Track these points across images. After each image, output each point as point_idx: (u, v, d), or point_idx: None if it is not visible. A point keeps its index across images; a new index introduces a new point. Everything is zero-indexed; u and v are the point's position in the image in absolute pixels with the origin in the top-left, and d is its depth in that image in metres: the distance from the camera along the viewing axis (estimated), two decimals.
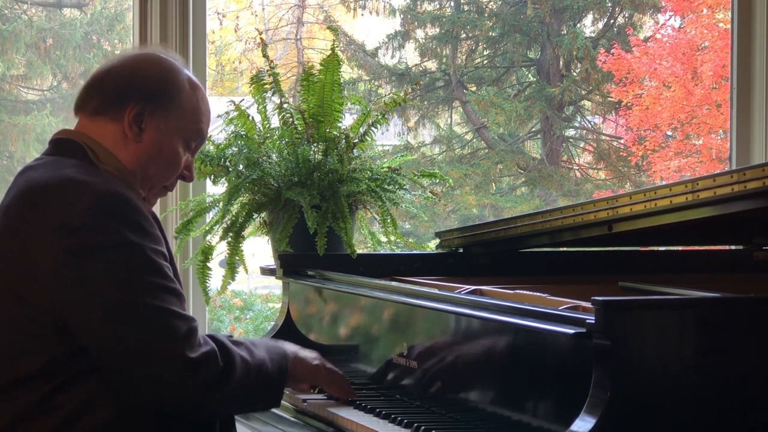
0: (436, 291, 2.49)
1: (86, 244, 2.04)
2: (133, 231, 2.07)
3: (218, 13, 13.63)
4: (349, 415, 2.33)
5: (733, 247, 3.44)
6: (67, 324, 2.05)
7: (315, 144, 3.13)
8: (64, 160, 2.17)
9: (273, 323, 3.10)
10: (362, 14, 13.45)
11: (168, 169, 2.28)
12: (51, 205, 2.07)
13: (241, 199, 3.12)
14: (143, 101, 2.21)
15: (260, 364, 2.20)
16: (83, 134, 2.23)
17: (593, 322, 1.84)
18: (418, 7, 13.31)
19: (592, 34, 13.06)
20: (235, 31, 13.81)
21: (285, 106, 3.21)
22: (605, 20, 13.27)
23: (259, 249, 4.23)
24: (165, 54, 2.32)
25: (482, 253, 3.07)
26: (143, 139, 2.22)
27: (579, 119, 13.72)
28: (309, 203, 2.99)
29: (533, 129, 13.33)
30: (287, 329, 3.00)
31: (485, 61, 13.51)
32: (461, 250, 3.09)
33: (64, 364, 2.07)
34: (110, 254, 2.04)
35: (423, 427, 2.16)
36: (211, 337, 2.14)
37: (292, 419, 2.53)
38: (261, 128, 3.23)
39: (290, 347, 2.36)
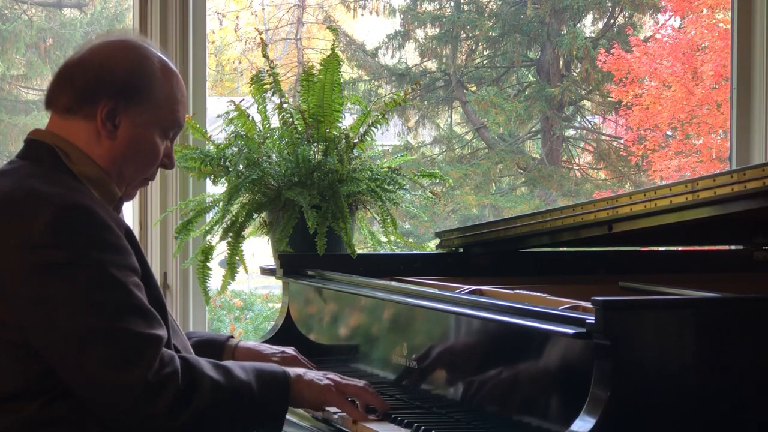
0: (436, 291, 2.49)
1: (46, 262, 1.98)
2: (95, 246, 2.01)
3: (218, 13, 13.64)
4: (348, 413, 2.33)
5: (733, 247, 3.44)
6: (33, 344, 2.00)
7: (315, 144, 3.14)
8: (32, 166, 2.11)
9: (273, 323, 3.10)
10: (362, 14, 13.47)
11: (146, 162, 2.21)
12: (13, 220, 2.02)
13: (241, 199, 3.12)
14: (115, 97, 2.13)
15: (241, 387, 2.10)
16: (55, 135, 2.16)
17: (593, 322, 1.84)
18: (418, 7, 13.32)
19: (592, 34, 13.08)
20: (235, 31, 13.82)
21: (285, 106, 3.21)
22: (605, 20, 13.29)
23: (259, 249, 4.23)
24: (136, 39, 2.22)
25: (482, 253, 3.07)
26: (118, 135, 2.14)
27: (579, 119, 13.73)
28: (309, 203, 2.99)
29: (533, 129, 13.35)
30: (287, 329, 3.00)
31: (485, 61, 13.52)
32: (461, 250, 3.09)
33: (45, 383, 2.01)
34: (70, 273, 1.98)
35: (423, 427, 2.16)
36: (183, 358, 2.06)
37: (288, 418, 2.51)
38: (261, 128, 3.22)
39: (295, 369, 2.25)
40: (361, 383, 2.31)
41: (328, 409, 2.35)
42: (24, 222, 2.00)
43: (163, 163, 2.25)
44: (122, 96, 2.14)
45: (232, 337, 2.57)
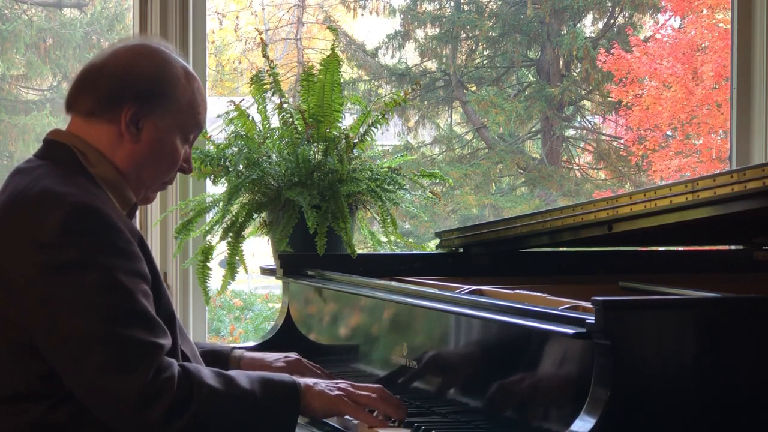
0: (436, 291, 2.48)
1: (54, 262, 1.97)
2: (104, 249, 2.00)
3: (218, 13, 13.63)
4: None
5: (733, 247, 3.44)
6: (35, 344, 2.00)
7: (315, 144, 3.14)
8: (49, 166, 2.12)
9: (273, 323, 3.10)
10: (362, 14, 13.46)
11: (167, 166, 2.22)
12: (26, 219, 2.02)
13: (241, 199, 3.12)
14: (140, 101, 2.15)
15: (243, 395, 2.07)
16: (75, 136, 2.16)
17: (593, 322, 1.84)
18: (418, 7, 13.31)
19: (592, 34, 13.07)
20: (235, 31, 13.82)
21: (285, 106, 3.21)
22: (605, 20, 13.28)
23: (259, 249, 4.23)
24: (158, 44, 2.24)
25: (482, 253, 3.06)
26: (141, 139, 2.16)
27: (579, 119, 13.73)
28: (309, 203, 2.99)
29: (533, 129, 13.34)
30: (287, 329, 3.00)
31: (485, 61, 13.52)
32: (461, 250, 3.09)
33: (49, 384, 2.01)
34: (76, 275, 1.97)
35: (423, 427, 2.16)
36: (182, 366, 2.04)
37: None
38: (261, 128, 3.22)
39: (305, 380, 2.22)
40: (375, 391, 2.25)
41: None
42: (36, 221, 2.01)
43: (182, 167, 2.26)
44: (146, 100, 2.16)
45: (236, 348, 2.56)
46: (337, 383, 2.25)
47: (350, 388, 2.24)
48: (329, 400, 2.19)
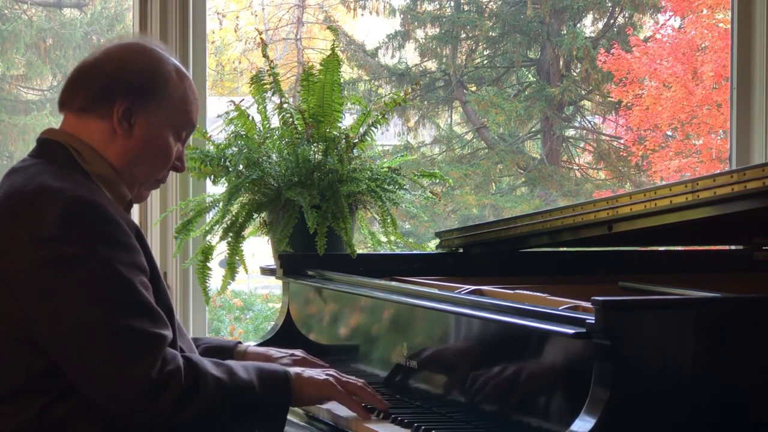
0: (436, 291, 2.49)
1: (54, 256, 1.99)
2: (103, 242, 2.02)
3: (218, 13, 13.64)
4: (348, 413, 2.33)
5: (733, 247, 3.44)
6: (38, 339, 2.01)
7: (315, 144, 3.14)
8: (45, 164, 2.13)
9: (273, 323, 3.10)
10: (362, 14, 13.47)
11: (159, 163, 2.23)
12: (22, 215, 2.03)
13: (241, 199, 3.12)
14: (132, 96, 2.16)
15: (243, 385, 2.11)
16: (69, 134, 2.18)
17: (593, 322, 1.84)
18: (418, 7, 13.32)
19: (592, 34, 13.08)
20: (235, 31, 13.82)
21: (285, 106, 3.21)
22: (605, 20, 13.29)
23: (259, 249, 4.23)
24: (149, 43, 2.25)
25: (482, 253, 3.06)
26: (134, 134, 2.17)
27: (579, 119, 13.73)
28: (309, 203, 2.99)
29: (533, 129, 13.35)
30: (287, 329, 3.00)
31: (485, 61, 13.53)
32: (461, 250, 3.09)
33: (48, 381, 2.02)
34: (77, 268, 1.99)
35: (423, 427, 2.16)
36: (185, 357, 2.07)
37: (290, 419, 2.51)
38: (261, 128, 3.22)
39: (293, 368, 2.27)
40: (360, 381, 2.32)
41: (333, 411, 2.35)
42: (33, 216, 2.02)
43: (175, 165, 2.27)
44: (138, 95, 2.17)
45: (240, 342, 2.57)
46: (324, 370, 2.30)
47: (336, 375, 2.29)
48: (319, 385, 2.25)
